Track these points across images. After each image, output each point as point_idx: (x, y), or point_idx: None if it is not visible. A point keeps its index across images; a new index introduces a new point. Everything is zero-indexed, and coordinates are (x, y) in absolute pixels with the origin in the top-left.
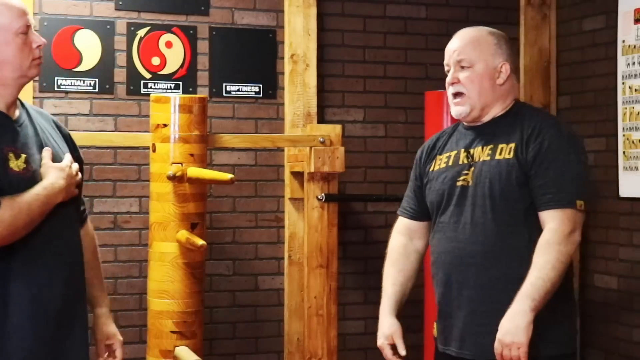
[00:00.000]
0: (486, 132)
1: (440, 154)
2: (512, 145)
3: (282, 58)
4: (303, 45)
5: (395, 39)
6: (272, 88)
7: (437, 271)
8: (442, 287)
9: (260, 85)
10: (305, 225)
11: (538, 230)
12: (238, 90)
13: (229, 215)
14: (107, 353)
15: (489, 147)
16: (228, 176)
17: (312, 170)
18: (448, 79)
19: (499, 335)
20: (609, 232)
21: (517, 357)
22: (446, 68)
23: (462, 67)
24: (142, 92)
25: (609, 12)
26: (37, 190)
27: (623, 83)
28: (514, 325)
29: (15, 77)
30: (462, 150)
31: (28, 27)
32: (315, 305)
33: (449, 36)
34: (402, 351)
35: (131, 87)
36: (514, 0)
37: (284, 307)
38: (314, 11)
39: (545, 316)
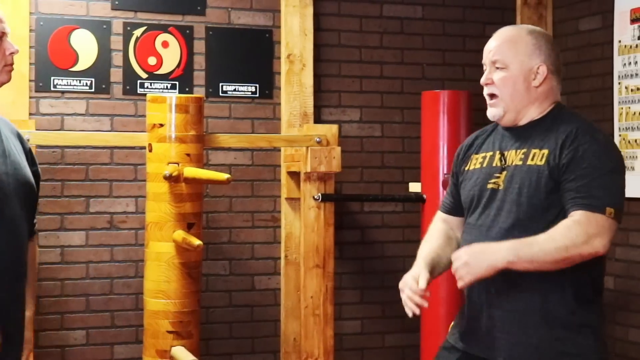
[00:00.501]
0: (522, 136)
1: (476, 154)
2: (545, 151)
3: (279, 58)
4: (299, 45)
5: (392, 39)
6: (268, 88)
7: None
8: (465, 289)
9: (257, 85)
10: (301, 225)
11: None
12: (234, 90)
13: (225, 215)
14: None
15: (523, 151)
16: (224, 176)
17: (309, 170)
18: (482, 79)
19: (466, 249)
20: None
21: (460, 276)
22: (484, 67)
23: (497, 68)
24: (138, 92)
25: (605, 12)
26: None
27: (619, 83)
28: (484, 258)
29: None
30: (497, 152)
31: (3, 33)
32: (312, 305)
33: (445, 36)
34: (422, 284)
35: (127, 87)
36: (511, 0)
37: (280, 307)
38: (310, 11)
39: (572, 328)
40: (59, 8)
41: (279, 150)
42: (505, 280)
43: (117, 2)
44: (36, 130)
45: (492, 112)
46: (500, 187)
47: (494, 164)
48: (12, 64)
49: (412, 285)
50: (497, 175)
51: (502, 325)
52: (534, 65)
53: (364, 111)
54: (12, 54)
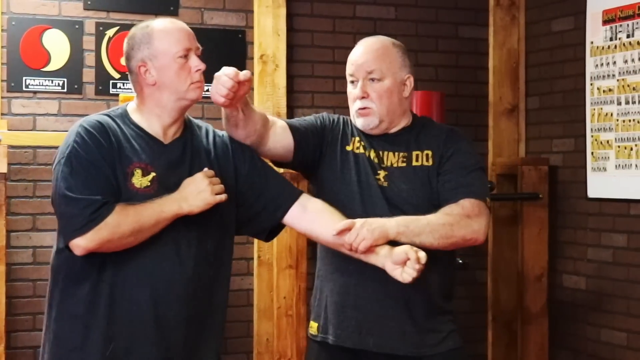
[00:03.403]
0: (395, 141)
1: (353, 137)
2: (429, 152)
3: (252, 58)
4: (272, 46)
5: None
6: None
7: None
8: (338, 283)
9: None
10: None
11: None
12: (207, 91)
13: None
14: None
15: (402, 154)
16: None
17: (281, 171)
18: (357, 92)
19: (362, 220)
20: (577, 233)
21: (356, 248)
22: (350, 79)
23: (372, 79)
24: (110, 92)
25: (578, 13)
26: (153, 199)
27: (591, 84)
28: (377, 226)
29: (173, 99)
30: (372, 149)
31: (188, 50)
32: (285, 306)
33: (418, 37)
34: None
35: (100, 87)
36: (483, 1)
37: (253, 308)
38: (283, 12)
39: (443, 311)
40: (31, 8)
41: None
42: (374, 270)
43: (89, 2)
44: (8, 130)
45: (365, 122)
46: (384, 185)
47: (372, 158)
48: (200, 81)
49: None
50: (378, 171)
51: (372, 313)
52: (404, 77)
53: (337, 112)
54: (198, 70)
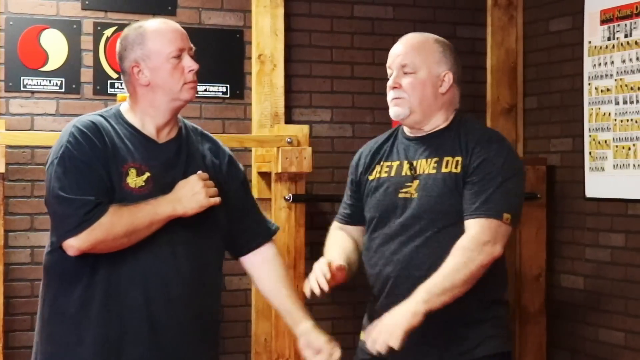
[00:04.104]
0: (430, 144)
1: (379, 163)
2: (459, 158)
3: (250, 58)
4: (270, 46)
5: (363, 40)
6: (239, 88)
7: (377, 283)
8: (385, 299)
9: (228, 86)
10: None
11: None
12: (205, 91)
13: None
14: None
15: (434, 159)
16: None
17: (280, 170)
18: (390, 83)
19: (380, 327)
20: (575, 233)
21: (377, 351)
22: (389, 71)
23: (405, 73)
24: (108, 92)
25: (575, 13)
26: (147, 200)
27: (589, 84)
28: (393, 323)
29: (166, 100)
30: (405, 161)
31: (181, 50)
32: None
33: None
34: (338, 262)
35: (98, 87)
36: (481, 1)
37: (251, 308)
38: (281, 11)
39: (477, 319)
40: (28, 8)
41: (250, 150)
42: (403, 285)
43: (87, 2)
44: (6, 130)
45: (396, 112)
46: (414, 196)
47: (403, 173)
48: (193, 81)
49: (323, 267)
50: (409, 184)
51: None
52: (441, 72)
53: (335, 112)
54: (191, 71)
